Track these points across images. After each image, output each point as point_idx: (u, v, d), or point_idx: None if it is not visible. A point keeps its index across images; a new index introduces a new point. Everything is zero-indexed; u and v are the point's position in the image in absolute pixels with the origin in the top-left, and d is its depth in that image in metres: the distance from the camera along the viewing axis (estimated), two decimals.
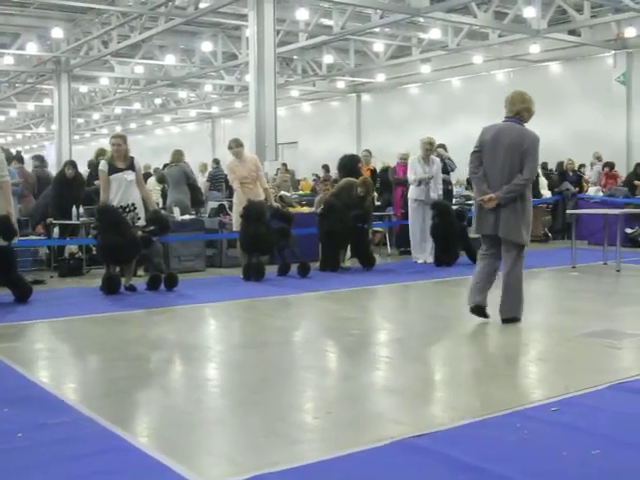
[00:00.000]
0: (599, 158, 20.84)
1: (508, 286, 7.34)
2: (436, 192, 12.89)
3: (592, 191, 18.35)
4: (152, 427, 4.52)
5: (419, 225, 12.83)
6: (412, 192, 12.89)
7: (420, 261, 12.79)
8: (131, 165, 10.10)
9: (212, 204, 14.42)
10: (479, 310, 7.42)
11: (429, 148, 12.92)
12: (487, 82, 29.59)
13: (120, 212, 9.70)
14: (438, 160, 13.18)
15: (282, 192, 15.37)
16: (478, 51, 27.18)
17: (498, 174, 7.19)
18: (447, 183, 14.06)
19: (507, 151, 7.16)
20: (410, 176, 12.85)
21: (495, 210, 7.19)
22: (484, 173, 7.33)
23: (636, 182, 18.44)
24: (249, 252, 11.10)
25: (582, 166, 21.03)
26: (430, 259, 12.64)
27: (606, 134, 24.73)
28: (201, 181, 19.47)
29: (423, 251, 12.83)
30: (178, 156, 14.32)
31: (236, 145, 11.67)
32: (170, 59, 28.12)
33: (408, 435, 4.03)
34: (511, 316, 7.34)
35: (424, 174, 12.69)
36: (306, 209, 14.16)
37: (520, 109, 7.34)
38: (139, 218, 10.00)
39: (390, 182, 14.87)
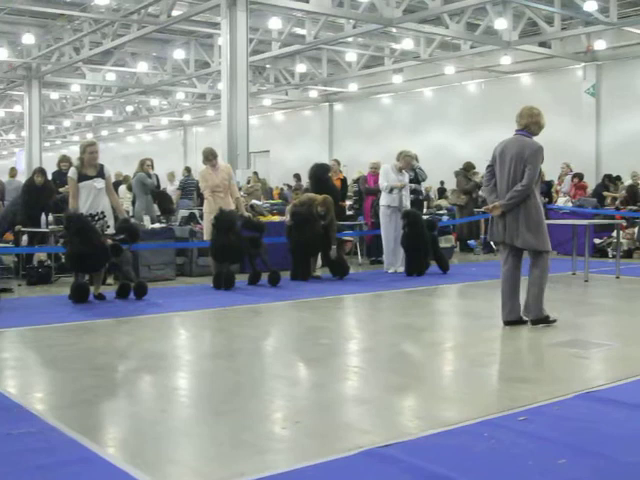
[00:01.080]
0: (569, 168, 21.02)
1: (528, 289, 7.71)
2: (407, 201, 12.97)
3: (561, 202, 18.51)
4: (119, 437, 4.47)
5: (390, 233, 12.84)
6: (384, 199, 12.90)
7: (391, 271, 12.80)
8: (101, 173, 10.03)
9: (183, 212, 14.37)
10: (511, 323, 7.73)
11: (410, 162, 13.00)
12: (459, 92, 29.84)
13: (89, 220, 9.63)
14: (407, 173, 13.23)
15: (253, 201, 15.35)
16: (450, 62, 27.38)
17: (505, 184, 7.59)
18: (418, 192, 14.10)
19: (511, 162, 7.56)
20: (382, 183, 12.86)
21: (502, 217, 7.57)
22: (494, 185, 7.73)
23: (605, 193, 18.63)
24: (220, 261, 11.07)
25: (559, 178, 21.27)
26: (401, 269, 12.66)
27: (576, 145, 25.01)
28: (170, 189, 19.44)
29: (395, 260, 12.84)
30: (139, 166, 14.29)
31: (214, 157, 11.66)
32: (142, 66, 28.09)
33: (376, 445, 4.03)
34: (533, 317, 7.67)
35: (397, 182, 12.73)
36: (277, 218, 14.14)
37: (528, 123, 7.73)
38: (108, 226, 9.93)
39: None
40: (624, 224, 15.53)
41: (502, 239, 7.66)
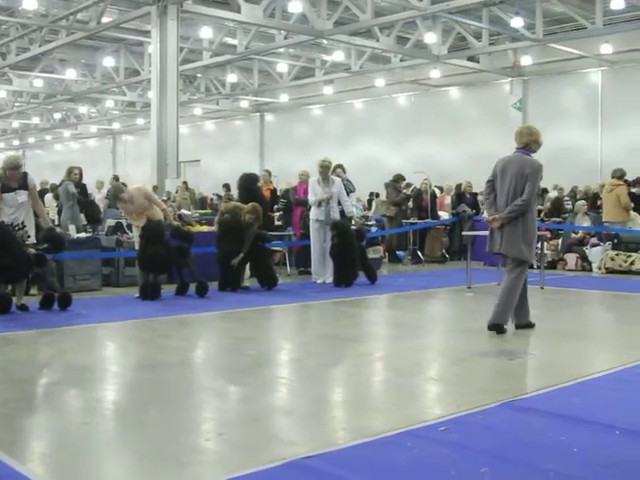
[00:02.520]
0: None
1: (501, 295, 8.03)
2: (347, 209, 13.01)
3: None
4: (39, 452, 4.37)
5: (320, 245, 12.88)
6: (313, 213, 12.95)
7: (319, 281, 12.82)
8: (24, 184, 9.79)
9: (110, 222, 14.14)
10: (524, 327, 8.22)
11: (326, 171, 12.99)
12: (389, 105, 30.12)
13: (10, 229, 9.42)
14: (338, 180, 13.25)
15: (182, 210, 15.21)
16: (380, 74, 27.62)
17: (504, 198, 7.98)
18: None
19: (512, 178, 7.96)
20: (310, 197, 12.90)
21: (500, 229, 7.98)
22: (494, 198, 8.10)
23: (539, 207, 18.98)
24: (147, 271, 10.94)
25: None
26: (330, 279, 12.69)
27: None
28: (98, 198, 19.16)
29: (323, 271, 12.88)
30: (66, 174, 14.07)
31: (120, 199, 11.39)
32: (71, 73, 27.69)
33: (299, 456, 4.02)
34: (495, 322, 8.01)
35: (324, 194, 12.77)
36: (205, 228, 14.03)
37: (528, 141, 8.23)
38: (29, 236, 9.72)
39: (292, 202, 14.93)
40: (548, 235, 15.85)
41: (499, 250, 8.03)
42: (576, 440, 4.35)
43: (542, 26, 20.94)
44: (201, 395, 5.66)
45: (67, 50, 25.32)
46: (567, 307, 10.94)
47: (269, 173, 15.96)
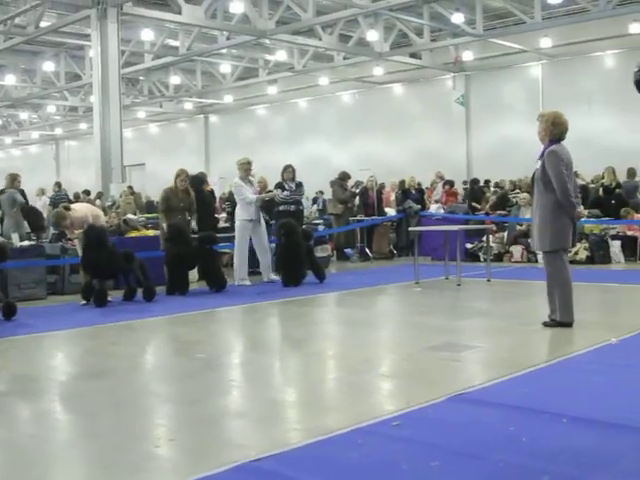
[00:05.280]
0: (442, 177, 21.56)
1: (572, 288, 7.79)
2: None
3: (434, 208, 18.95)
4: None
5: (247, 246, 12.92)
6: (244, 213, 12.87)
7: (248, 283, 12.79)
8: None
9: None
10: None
11: (248, 168, 13.03)
12: (333, 103, 30.21)
13: None
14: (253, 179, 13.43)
15: (128, 215, 15.02)
16: (324, 73, 27.70)
17: (574, 191, 7.73)
18: (298, 203, 14.03)
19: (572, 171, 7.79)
20: (250, 196, 12.79)
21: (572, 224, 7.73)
22: None
23: (473, 203, 19.21)
24: (92, 277, 10.77)
25: (431, 185, 21.88)
26: (273, 276, 12.74)
27: (447, 153, 25.70)
28: (38, 205, 18.89)
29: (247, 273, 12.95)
30: (9, 181, 13.83)
31: (66, 228, 11.45)
32: (10, 79, 27.28)
33: (252, 458, 4.00)
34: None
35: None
36: (151, 232, 13.88)
37: (564, 130, 7.71)
38: None
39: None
40: (494, 228, 16.02)
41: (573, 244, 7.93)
42: (525, 430, 4.39)
43: (482, 21, 21.22)
44: (151, 401, 5.60)
45: (6, 55, 24.95)
46: (514, 299, 11.05)
47: (204, 174, 15.99)
